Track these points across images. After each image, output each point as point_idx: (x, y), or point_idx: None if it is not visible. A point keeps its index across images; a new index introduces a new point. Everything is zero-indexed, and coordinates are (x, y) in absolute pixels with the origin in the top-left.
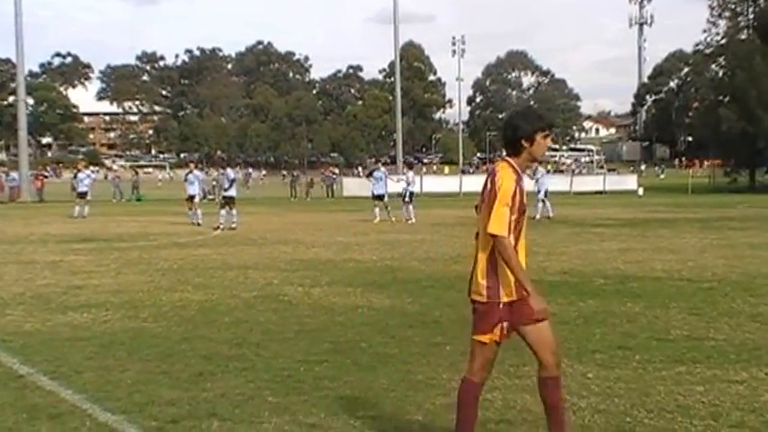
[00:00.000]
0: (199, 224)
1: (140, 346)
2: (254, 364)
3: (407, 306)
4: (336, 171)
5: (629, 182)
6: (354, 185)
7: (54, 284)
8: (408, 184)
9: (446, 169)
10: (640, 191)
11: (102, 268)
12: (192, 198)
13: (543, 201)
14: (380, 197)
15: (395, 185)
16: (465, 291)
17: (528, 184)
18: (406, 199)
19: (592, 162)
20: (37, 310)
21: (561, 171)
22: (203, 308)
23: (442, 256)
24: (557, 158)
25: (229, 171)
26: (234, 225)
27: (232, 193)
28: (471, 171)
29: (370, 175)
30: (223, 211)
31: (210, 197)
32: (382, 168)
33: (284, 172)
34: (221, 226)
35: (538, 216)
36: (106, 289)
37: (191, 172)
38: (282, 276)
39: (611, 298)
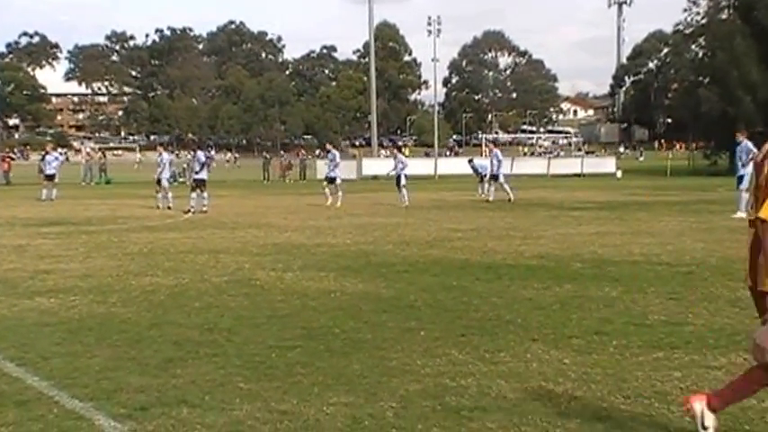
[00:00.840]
0: (169, 207)
1: (109, 332)
2: (225, 350)
3: (381, 291)
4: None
5: (607, 164)
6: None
7: (21, 269)
8: (399, 167)
9: (407, 151)
10: (619, 173)
11: (70, 252)
12: (159, 181)
13: (488, 182)
14: (332, 180)
15: (386, 168)
16: (440, 275)
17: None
18: (402, 182)
19: (570, 144)
20: (3, 295)
21: (539, 154)
22: (173, 293)
23: (417, 240)
24: (534, 141)
25: (200, 153)
26: (205, 208)
27: (203, 175)
28: (448, 154)
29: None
30: (194, 194)
31: (181, 180)
32: (334, 151)
33: (266, 155)
34: (192, 209)
35: (491, 198)
36: (74, 273)
37: (160, 155)
38: (254, 261)
39: (588, 282)
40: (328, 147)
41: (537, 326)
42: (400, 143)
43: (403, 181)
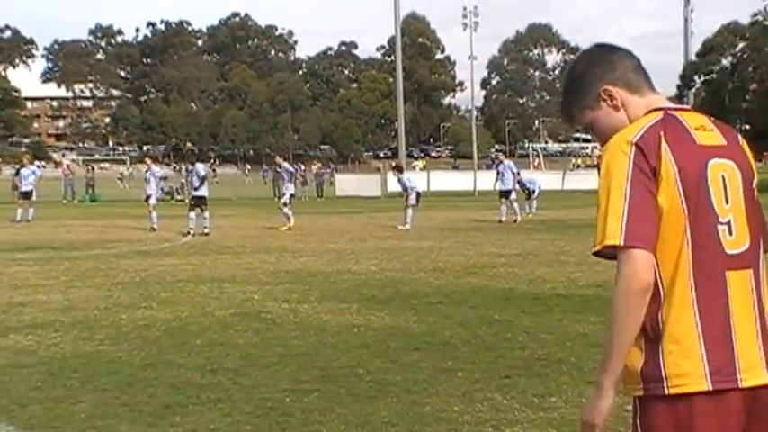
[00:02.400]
0: (153, 228)
1: (96, 374)
2: (232, 395)
3: (412, 325)
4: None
5: None
6: (349, 183)
7: None
8: (407, 187)
9: (420, 164)
10: None
11: (50, 281)
12: (147, 198)
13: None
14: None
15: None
16: (479, 307)
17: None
18: (411, 201)
19: None
20: None
21: (596, 166)
22: (171, 328)
23: (454, 266)
24: (588, 151)
25: (199, 167)
26: (206, 230)
27: (203, 192)
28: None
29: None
30: (193, 214)
31: (179, 197)
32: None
33: (277, 168)
34: (191, 231)
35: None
36: (55, 306)
37: (148, 168)
38: (264, 291)
39: None
40: (277, 160)
41: (593, 366)
42: (433, 153)
43: (412, 200)
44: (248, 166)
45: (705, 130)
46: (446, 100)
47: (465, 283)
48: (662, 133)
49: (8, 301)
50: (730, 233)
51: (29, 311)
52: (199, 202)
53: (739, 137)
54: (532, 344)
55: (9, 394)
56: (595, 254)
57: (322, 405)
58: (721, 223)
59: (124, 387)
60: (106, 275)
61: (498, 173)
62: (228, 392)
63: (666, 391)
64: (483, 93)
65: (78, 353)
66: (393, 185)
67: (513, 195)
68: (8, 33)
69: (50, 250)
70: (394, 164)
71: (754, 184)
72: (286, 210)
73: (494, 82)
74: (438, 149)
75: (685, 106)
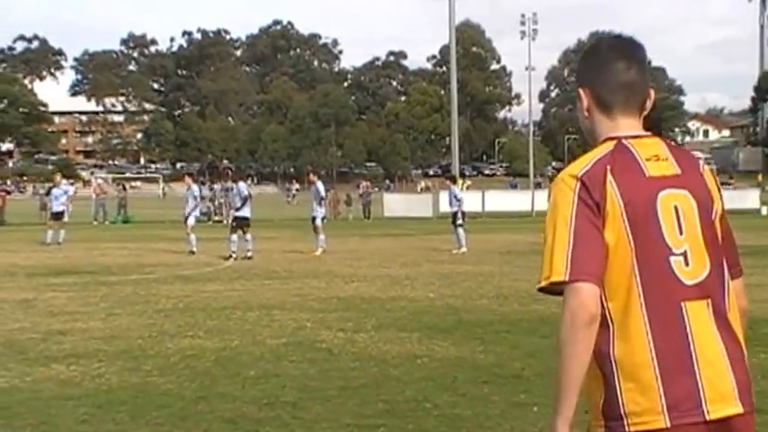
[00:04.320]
0: (192, 252)
1: (146, 407)
2: (293, 430)
3: (478, 356)
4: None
5: (748, 198)
6: (398, 203)
7: (30, 329)
8: (455, 202)
9: (461, 183)
10: (764, 210)
11: (88, 308)
12: (186, 219)
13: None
14: (313, 219)
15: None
16: (549, 336)
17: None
18: (459, 221)
19: None
20: (11, 361)
21: None
22: (221, 358)
23: (518, 292)
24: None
25: (242, 186)
26: (249, 254)
27: (245, 213)
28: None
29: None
30: (234, 237)
31: (216, 218)
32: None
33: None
34: (233, 255)
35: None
36: (96, 334)
37: (188, 187)
38: (317, 318)
39: None
40: (311, 177)
41: None
42: (486, 171)
43: (459, 220)
44: (296, 186)
45: (658, 160)
46: (501, 114)
47: (532, 310)
48: (609, 167)
49: (46, 329)
50: (686, 264)
51: (69, 340)
52: (241, 224)
53: (701, 164)
54: None
55: (57, 429)
56: (540, 290)
57: None
58: (675, 254)
59: (177, 421)
60: (147, 302)
61: None
62: (289, 427)
63: (627, 430)
64: (541, 106)
65: (125, 384)
66: (445, 205)
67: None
68: (36, 44)
69: (86, 275)
70: (446, 175)
71: (716, 211)
72: (321, 236)
73: (553, 94)
74: (492, 167)
75: (643, 133)
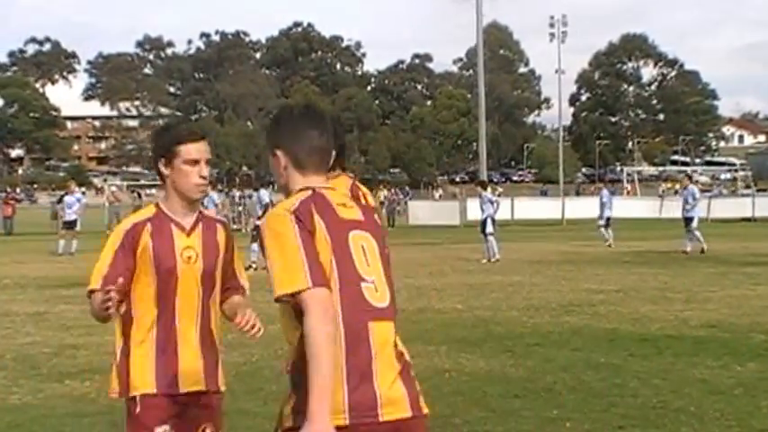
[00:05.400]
0: None
1: None
2: None
3: (509, 370)
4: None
5: None
6: (424, 211)
7: (41, 343)
8: (486, 208)
9: (490, 190)
10: None
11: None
12: None
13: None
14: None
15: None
16: (582, 349)
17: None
18: (488, 230)
19: (735, 180)
20: (23, 377)
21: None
22: (242, 372)
23: (549, 304)
24: (689, 173)
25: (263, 193)
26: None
27: None
28: (579, 191)
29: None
30: (255, 246)
31: (236, 227)
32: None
33: None
34: (253, 265)
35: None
36: (111, 349)
37: (207, 194)
38: None
39: None
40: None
41: (715, 416)
42: (515, 177)
43: (489, 228)
44: None
45: (346, 207)
46: (530, 118)
47: (563, 322)
48: (312, 206)
49: (59, 343)
50: (376, 290)
51: (83, 355)
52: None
53: (375, 213)
54: (645, 390)
55: None
56: (277, 299)
57: None
58: (366, 281)
59: None
60: None
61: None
62: None
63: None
64: (571, 110)
65: None
66: (473, 213)
67: (695, 223)
68: (47, 46)
69: None
70: (476, 181)
71: (387, 251)
72: None
73: (583, 98)
74: (520, 173)
75: (329, 185)
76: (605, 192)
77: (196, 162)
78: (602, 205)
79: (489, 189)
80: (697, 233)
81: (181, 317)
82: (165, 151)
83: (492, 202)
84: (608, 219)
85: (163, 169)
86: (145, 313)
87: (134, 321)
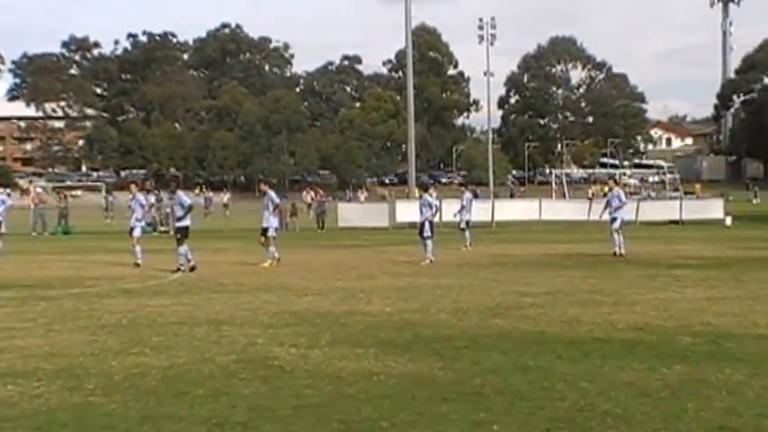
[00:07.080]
0: (137, 264)
1: (89, 428)
2: None
3: (437, 373)
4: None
5: (712, 208)
6: (353, 213)
7: None
8: (425, 211)
9: (434, 192)
10: (728, 220)
11: (26, 324)
12: (131, 230)
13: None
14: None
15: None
16: (510, 352)
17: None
18: (426, 233)
19: (663, 182)
20: None
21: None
22: (168, 376)
23: (478, 306)
24: (616, 177)
25: (180, 194)
26: (179, 266)
27: (187, 222)
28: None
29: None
30: (182, 249)
31: (163, 229)
32: (271, 193)
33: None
34: (182, 267)
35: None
36: (35, 352)
37: (133, 196)
38: (268, 334)
39: (703, 362)
40: (263, 187)
41: (642, 418)
42: (443, 179)
43: (427, 232)
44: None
45: None
46: (459, 120)
47: (492, 325)
48: None
49: None
50: None
51: (6, 358)
52: (184, 234)
53: None
54: (573, 393)
55: None
56: None
57: None
58: None
59: None
60: (89, 317)
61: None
62: None
63: None
64: (500, 113)
65: (66, 405)
66: (402, 215)
67: (617, 225)
68: None
69: (23, 289)
70: (419, 183)
71: None
72: (272, 247)
73: (512, 101)
74: (449, 175)
75: None
76: (467, 195)
77: None
78: (462, 208)
79: (432, 191)
80: (615, 235)
81: None
82: None
83: (431, 206)
84: (467, 222)
85: None
86: None
87: None
